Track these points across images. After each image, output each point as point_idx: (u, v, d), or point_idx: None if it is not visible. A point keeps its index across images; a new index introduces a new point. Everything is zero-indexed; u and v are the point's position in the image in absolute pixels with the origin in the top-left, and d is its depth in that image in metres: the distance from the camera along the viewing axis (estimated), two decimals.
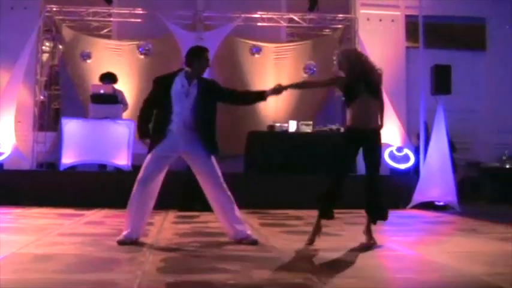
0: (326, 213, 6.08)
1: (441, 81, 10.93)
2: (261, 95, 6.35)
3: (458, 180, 11.62)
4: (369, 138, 6.09)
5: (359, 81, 6.03)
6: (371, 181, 6.13)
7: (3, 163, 11.97)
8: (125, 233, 5.79)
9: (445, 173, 10.56)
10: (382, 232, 7.84)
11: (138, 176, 5.89)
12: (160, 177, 5.98)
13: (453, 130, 11.99)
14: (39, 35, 13.86)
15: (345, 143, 6.27)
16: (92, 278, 4.14)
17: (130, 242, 5.70)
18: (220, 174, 6.01)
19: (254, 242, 5.92)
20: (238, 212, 6.10)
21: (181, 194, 9.48)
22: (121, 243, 5.68)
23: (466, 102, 14.54)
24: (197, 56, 6.21)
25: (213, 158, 6.01)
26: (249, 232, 6.08)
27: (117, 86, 12.18)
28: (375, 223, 6.15)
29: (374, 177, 6.13)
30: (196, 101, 5.93)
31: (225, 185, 6.02)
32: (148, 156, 5.93)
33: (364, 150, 6.14)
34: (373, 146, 6.16)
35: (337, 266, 4.80)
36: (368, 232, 6.14)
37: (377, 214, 6.11)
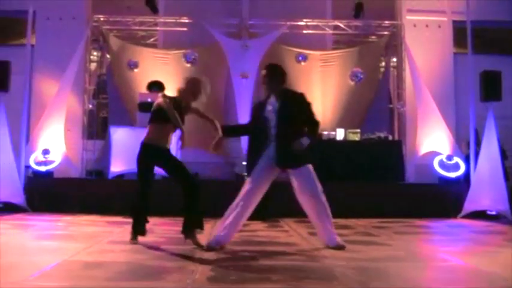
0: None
1: (491, 87, 10.71)
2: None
3: (510, 189, 11.39)
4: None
5: None
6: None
7: (53, 171, 12.14)
8: (215, 237, 6.14)
9: (496, 181, 10.34)
10: (432, 242, 7.75)
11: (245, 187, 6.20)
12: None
13: (504, 137, 11.77)
14: (87, 44, 14.11)
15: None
16: (143, 286, 4.16)
17: (220, 247, 6.04)
18: (315, 184, 6.23)
19: (341, 247, 6.15)
20: (330, 221, 6.33)
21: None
22: (208, 247, 5.98)
23: None
24: None
25: (307, 170, 6.23)
26: (338, 239, 6.28)
27: None
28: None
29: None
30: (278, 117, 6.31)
31: (320, 194, 6.23)
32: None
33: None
34: None
35: (387, 276, 4.72)
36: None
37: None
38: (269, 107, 6.26)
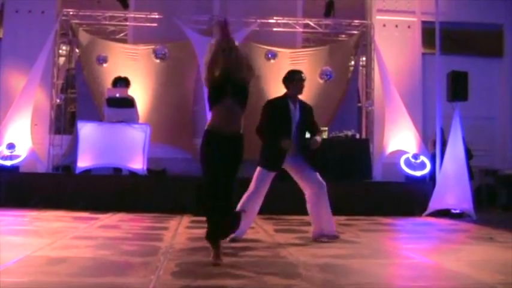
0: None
1: (458, 87, 10.85)
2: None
3: (474, 188, 11.54)
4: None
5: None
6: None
7: (19, 166, 12.00)
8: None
9: (461, 180, 10.47)
10: (397, 239, 7.83)
11: (251, 186, 6.61)
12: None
13: (469, 137, 11.91)
14: (56, 38, 13.93)
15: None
16: (107, 281, 4.14)
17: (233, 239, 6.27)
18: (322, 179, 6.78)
19: (335, 237, 6.70)
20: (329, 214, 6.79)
21: (194, 199, 9.40)
22: (231, 240, 6.19)
23: (482, 109, 14.44)
24: (290, 79, 6.96)
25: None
26: (335, 230, 6.85)
27: (132, 91, 12.20)
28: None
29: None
30: (299, 121, 6.76)
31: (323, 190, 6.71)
32: (261, 170, 6.71)
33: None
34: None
35: (352, 273, 4.77)
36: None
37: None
38: (292, 109, 6.75)
